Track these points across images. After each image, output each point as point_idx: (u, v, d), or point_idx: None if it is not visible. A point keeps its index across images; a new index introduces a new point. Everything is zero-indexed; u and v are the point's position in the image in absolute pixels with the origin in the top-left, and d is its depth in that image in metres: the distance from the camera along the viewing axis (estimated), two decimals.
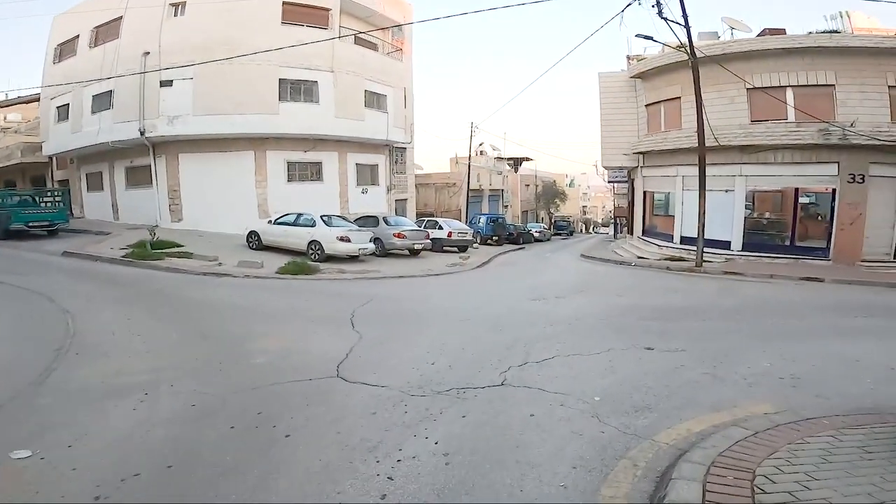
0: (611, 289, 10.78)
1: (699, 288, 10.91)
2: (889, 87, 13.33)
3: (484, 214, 27.40)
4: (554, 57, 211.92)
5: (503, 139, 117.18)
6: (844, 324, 7.36)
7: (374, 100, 21.79)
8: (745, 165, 15.03)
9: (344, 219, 14.70)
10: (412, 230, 15.85)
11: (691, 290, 10.51)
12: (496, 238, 26.14)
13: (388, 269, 12.69)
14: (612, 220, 47.81)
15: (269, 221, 14.75)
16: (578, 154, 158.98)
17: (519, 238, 29.73)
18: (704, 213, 13.73)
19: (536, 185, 52.87)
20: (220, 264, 11.77)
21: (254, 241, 14.80)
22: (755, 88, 14.86)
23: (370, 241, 14.07)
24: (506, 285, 11.39)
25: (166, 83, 17.85)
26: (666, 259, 15.85)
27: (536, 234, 33.80)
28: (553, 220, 51.41)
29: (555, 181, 58.39)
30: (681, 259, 15.37)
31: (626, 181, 24.90)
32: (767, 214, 15.55)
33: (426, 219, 20.92)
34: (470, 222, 28.29)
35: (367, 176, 23.00)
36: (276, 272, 10.99)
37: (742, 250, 15.11)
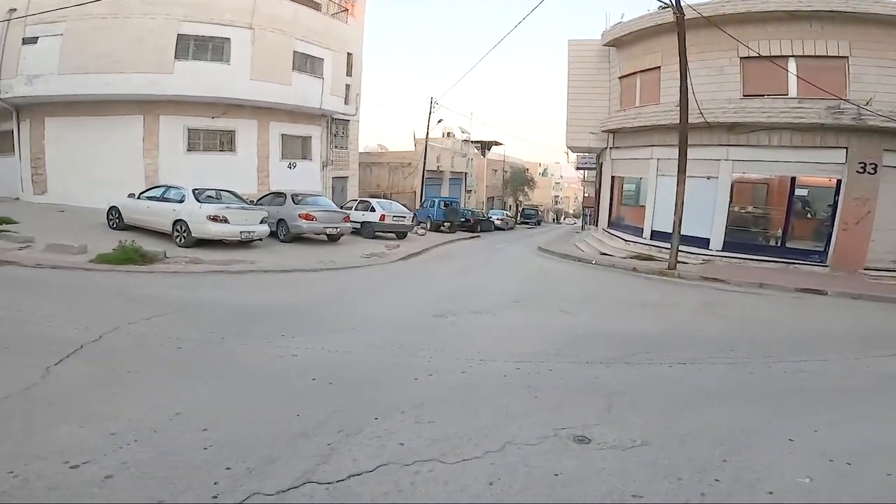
0: (558, 299, 7.97)
1: (673, 302, 8.23)
2: None
3: (437, 198, 24.39)
4: (531, 36, 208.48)
5: (470, 119, 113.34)
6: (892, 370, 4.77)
7: (307, 63, 18.72)
8: (733, 148, 12.44)
9: (234, 195, 11.49)
10: (325, 211, 12.71)
11: (663, 306, 7.81)
12: (448, 224, 23.23)
13: (271, 260, 9.61)
14: (582, 211, 45.76)
15: (132, 195, 11.38)
16: (554, 141, 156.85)
17: (477, 225, 26.93)
18: (683, 202, 11.09)
19: (505, 171, 50.08)
20: (26, 247, 8.46)
21: (114, 218, 11.46)
22: (750, 57, 12.22)
23: (261, 223, 10.92)
24: (416, 289, 8.45)
25: (30, 40, 14.85)
26: (633, 257, 13.24)
27: (497, 222, 31.09)
28: (521, 209, 48.98)
29: (527, 169, 55.74)
30: (650, 258, 12.76)
31: (596, 167, 22.30)
32: (754, 208, 13.06)
33: (358, 199, 17.77)
34: (421, 205, 25.39)
35: (296, 149, 19.80)
36: (92, 260, 7.78)
37: (723, 250, 12.60)
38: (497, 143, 49.92)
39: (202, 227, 9.82)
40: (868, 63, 10.97)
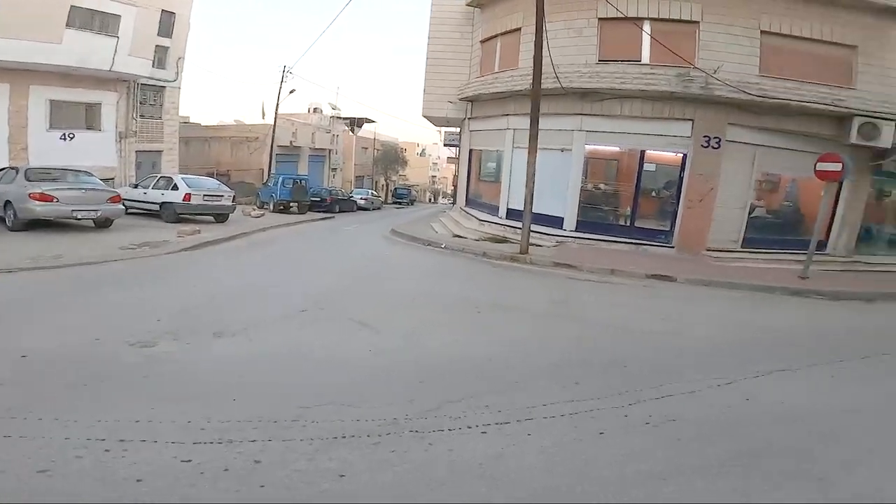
0: (369, 304, 5.89)
1: (519, 300, 6.67)
2: (762, 32, 10.60)
3: (283, 175, 21.03)
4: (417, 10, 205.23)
5: (336, 94, 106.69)
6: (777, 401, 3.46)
7: (95, 20, 15.17)
8: (587, 117, 11.46)
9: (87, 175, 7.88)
10: (73, 190, 9.13)
11: (505, 308, 6.15)
12: (297, 204, 20.15)
13: None
14: (453, 190, 45.09)
15: None
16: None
17: (335, 205, 24.13)
18: (534, 178, 9.74)
19: (377, 150, 47.33)
20: None
21: None
22: (608, 19, 11.25)
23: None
24: (161, 294, 5.68)
25: None
26: (487, 239, 11.81)
27: (361, 202, 28.59)
28: (394, 188, 46.89)
29: (404, 149, 53.52)
30: (504, 240, 11.41)
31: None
32: (606, 185, 12.35)
33: (159, 176, 13.99)
34: (264, 184, 21.90)
35: (76, 117, 15.59)
36: None
37: (576, 230, 11.68)
38: (369, 121, 46.93)
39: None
40: (718, 30, 10.52)
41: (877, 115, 10.06)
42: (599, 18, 11.34)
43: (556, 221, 11.90)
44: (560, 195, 11.91)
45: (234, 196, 13.93)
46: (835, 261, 11.09)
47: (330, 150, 38.20)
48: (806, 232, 10.39)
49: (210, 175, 20.48)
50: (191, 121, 32.68)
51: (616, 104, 11.11)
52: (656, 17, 10.83)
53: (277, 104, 26.44)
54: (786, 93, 10.03)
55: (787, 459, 2.62)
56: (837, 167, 8.76)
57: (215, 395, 3.07)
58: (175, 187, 12.67)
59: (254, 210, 16.87)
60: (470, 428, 2.88)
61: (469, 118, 15.74)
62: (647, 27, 10.86)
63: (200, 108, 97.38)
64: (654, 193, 11.90)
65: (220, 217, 13.57)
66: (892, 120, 10.05)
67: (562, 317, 5.73)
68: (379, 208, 31.38)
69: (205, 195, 12.89)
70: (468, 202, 16.16)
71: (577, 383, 3.62)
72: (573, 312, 5.97)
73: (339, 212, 24.16)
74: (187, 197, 12.41)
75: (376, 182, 47.39)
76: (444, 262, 9.43)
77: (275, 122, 26.07)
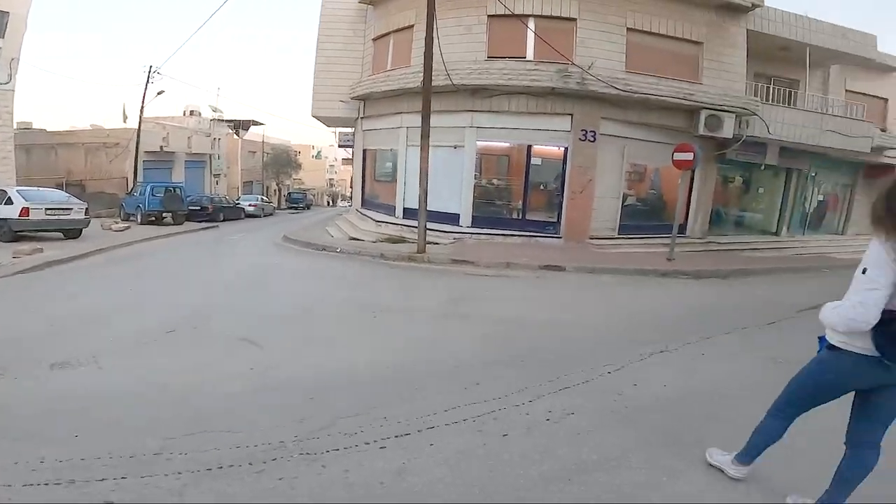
0: (255, 317, 5.34)
1: (416, 303, 6.51)
2: (628, 29, 11.46)
3: (152, 183, 18.77)
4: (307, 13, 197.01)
5: (217, 96, 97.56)
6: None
7: None
8: (478, 114, 11.66)
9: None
10: None
11: (401, 310, 5.95)
12: (171, 214, 18.13)
13: None
14: (352, 191, 43.88)
15: None
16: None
17: (218, 214, 22.16)
18: (427, 175, 9.67)
19: (267, 153, 44.45)
20: None
21: None
22: (497, 16, 11.49)
23: None
24: None
25: None
26: (384, 240, 11.53)
27: (250, 209, 26.63)
28: (287, 193, 44.47)
29: (298, 150, 50.84)
30: (401, 240, 11.22)
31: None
32: (498, 180, 12.69)
33: None
34: (129, 193, 19.44)
35: None
36: None
37: (472, 226, 11.85)
38: (256, 123, 43.87)
39: None
40: (593, 27, 11.21)
41: (719, 107, 11.40)
42: (489, 15, 11.56)
43: (453, 218, 11.97)
44: (455, 192, 11.99)
45: (86, 209, 12.07)
46: (694, 242, 12.50)
47: (211, 155, 35.15)
48: (669, 217, 11.43)
49: (59, 186, 17.69)
50: (33, 127, 28.18)
51: (504, 100, 11.43)
52: (540, 13, 11.29)
53: (142, 106, 23.51)
54: (647, 88, 11.01)
55: (679, 446, 2.72)
56: (690, 156, 9.82)
57: (51, 433, 2.51)
58: (9, 201, 10.65)
59: (116, 223, 14.83)
60: (367, 444, 2.67)
61: (362, 117, 15.29)
62: (531, 24, 11.30)
63: (51, 114, 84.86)
64: (542, 186, 12.45)
65: (71, 233, 11.71)
66: (731, 112, 11.47)
67: (460, 315, 5.66)
68: (271, 214, 29.51)
69: (48, 209, 11.00)
70: (364, 203, 15.72)
71: (477, 384, 3.52)
72: (471, 310, 5.94)
73: (224, 220, 22.25)
74: (24, 212, 10.50)
75: (267, 187, 44.58)
76: (340, 267, 8.99)
77: (139, 125, 23.20)
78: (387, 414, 3.01)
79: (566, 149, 11.43)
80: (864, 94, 15.76)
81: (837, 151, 14.09)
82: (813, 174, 15.53)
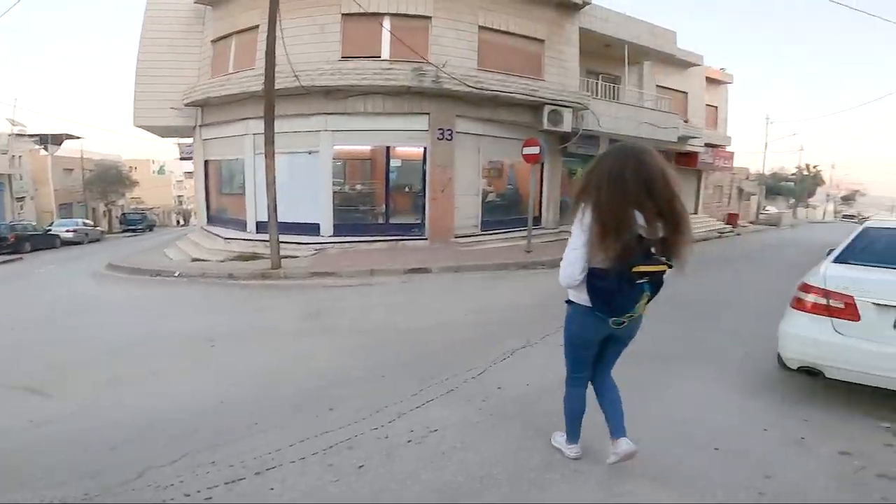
0: (55, 358, 4.22)
1: (268, 323, 5.79)
2: (480, 27, 11.71)
3: None
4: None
5: (14, 106, 79.72)
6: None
7: None
8: (332, 116, 11.05)
9: None
10: None
11: (246, 335, 5.19)
12: None
13: None
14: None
15: None
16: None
17: (23, 243, 18.20)
18: (275, 182, 8.86)
19: (89, 170, 37.83)
20: None
21: None
22: (351, 14, 10.97)
23: None
24: None
25: None
26: (235, 258, 10.35)
27: (69, 235, 22.41)
28: (122, 214, 38.52)
29: (132, 166, 44.16)
30: (254, 257, 10.16)
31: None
32: (361, 185, 12.22)
33: None
34: None
35: None
36: None
37: (334, 235, 11.21)
38: (71, 137, 37.18)
39: None
40: (447, 25, 11.27)
41: (559, 103, 12.28)
42: (343, 14, 11.03)
43: (313, 228, 11.21)
44: (314, 200, 11.25)
45: None
46: (548, 232, 13.38)
47: (11, 175, 28.99)
48: (525, 210, 11.98)
49: None
50: None
51: (360, 101, 11.00)
52: (395, 12, 11.07)
53: None
54: (497, 85, 11.40)
55: (544, 453, 2.56)
56: (536, 150, 10.42)
57: None
58: None
59: None
60: (188, 496, 2.09)
61: (201, 125, 13.65)
62: (386, 23, 11.03)
63: None
64: (406, 188, 12.29)
65: None
66: (569, 107, 12.45)
67: (317, 332, 5.12)
68: (98, 240, 25.16)
69: None
70: (211, 220, 14.04)
71: (331, 409, 3.08)
72: (331, 324, 5.43)
73: (33, 250, 18.37)
74: None
75: (93, 209, 38.12)
76: (176, 294, 7.75)
77: None
78: (216, 458, 2.46)
79: (425, 148, 11.40)
80: (669, 88, 18.46)
81: (653, 142, 16.23)
82: None
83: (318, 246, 10.85)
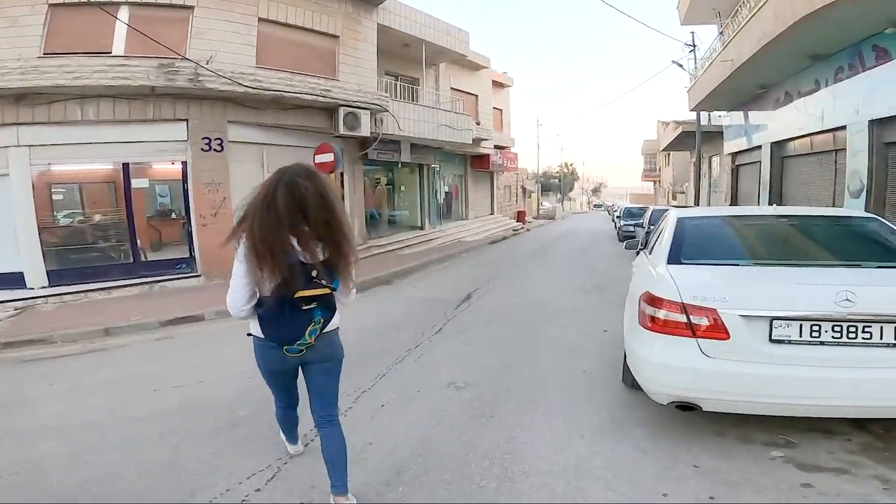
0: None
1: None
2: (260, 19, 9.55)
3: None
4: None
5: None
6: None
7: None
8: (30, 127, 7.76)
9: None
10: None
11: None
12: None
13: None
14: None
15: None
16: None
17: None
18: None
19: None
20: None
21: None
22: (63, 4, 7.88)
23: None
24: None
25: None
26: None
27: None
28: None
29: None
30: None
31: None
32: (88, 214, 8.96)
33: None
34: None
35: None
36: None
37: (50, 285, 7.89)
38: None
39: None
40: (215, 16, 8.89)
41: (356, 104, 10.99)
42: (50, 4, 7.81)
43: (13, 280, 7.72)
44: (9, 242, 7.76)
45: None
46: (358, 249, 12.02)
47: None
48: None
49: None
50: None
51: (76, 107, 7.95)
52: (138, 1, 8.32)
53: None
54: (280, 84, 9.55)
55: None
56: (330, 157, 8.97)
57: None
58: None
59: None
60: None
61: None
62: (123, 13, 8.14)
63: None
64: (163, 215, 9.56)
65: None
66: (367, 109, 11.23)
67: None
68: None
69: None
70: None
71: None
72: (19, 426, 3.11)
73: None
74: None
75: None
76: None
77: None
78: None
79: (184, 163, 8.91)
80: (462, 90, 18.95)
81: (451, 144, 16.27)
82: (437, 168, 17.68)
83: (24, 302, 7.52)
